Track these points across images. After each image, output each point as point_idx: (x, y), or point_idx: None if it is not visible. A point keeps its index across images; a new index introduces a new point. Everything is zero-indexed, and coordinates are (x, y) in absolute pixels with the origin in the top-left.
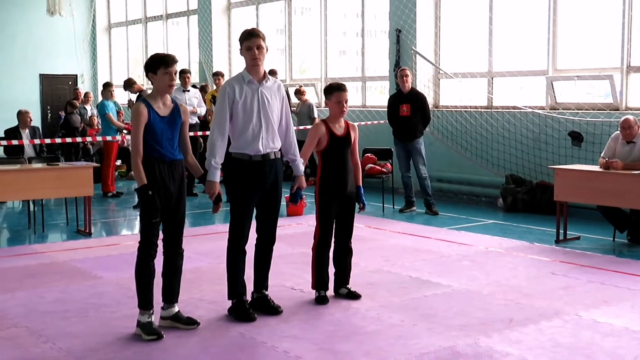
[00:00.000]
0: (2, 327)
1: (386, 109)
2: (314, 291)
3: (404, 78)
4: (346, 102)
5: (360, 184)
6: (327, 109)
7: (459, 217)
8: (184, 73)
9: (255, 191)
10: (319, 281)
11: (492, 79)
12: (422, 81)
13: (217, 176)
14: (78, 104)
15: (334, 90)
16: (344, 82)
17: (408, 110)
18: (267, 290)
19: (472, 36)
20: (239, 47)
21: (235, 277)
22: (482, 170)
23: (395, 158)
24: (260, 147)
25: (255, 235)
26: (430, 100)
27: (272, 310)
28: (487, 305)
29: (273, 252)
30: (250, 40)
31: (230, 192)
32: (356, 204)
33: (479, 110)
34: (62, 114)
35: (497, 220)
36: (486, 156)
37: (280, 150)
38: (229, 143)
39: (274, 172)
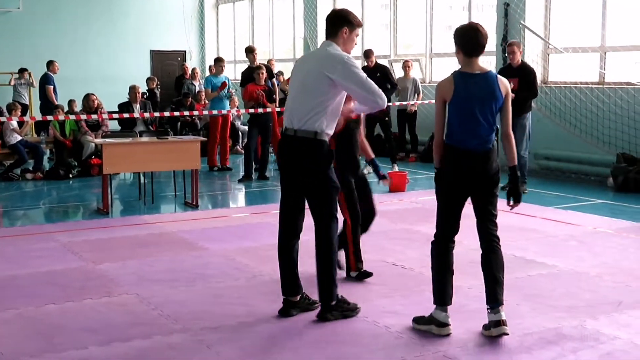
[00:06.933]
0: (114, 293)
1: None
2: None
3: (513, 52)
4: None
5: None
6: (431, 85)
7: (566, 196)
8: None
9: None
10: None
11: (604, 53)
12: (531, 56)
13: None
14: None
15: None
16: (449, 58)
17: (516, 84)
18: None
19: (584, 9)
20: (345, 25)
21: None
22: (592, 148)
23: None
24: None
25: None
26: (538, 76)
27: None
28: (595, 287)
29: (372, 228)
30: (359, 30)
31: None
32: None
33: (590, 86)
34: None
35: (606, 200)
36: (596, 134)
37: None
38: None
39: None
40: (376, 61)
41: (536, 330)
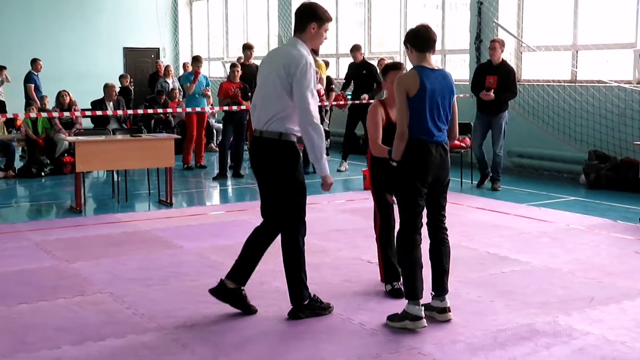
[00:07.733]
0: (88, 292)
1: (467, 83)
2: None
3: (496, 49)
4: None
5: None
6: None
7: (539, 194)
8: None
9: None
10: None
11: (576, 52)
12: (504, 54)
13: None
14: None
15: (391, 70)
16: None
17: (495, 82)
18: None
19: (557, 8)
20: (314, 21)
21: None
22: (564, 145)
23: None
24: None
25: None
26: None
27: None
28: (567, 283)
29: (347, 225)
30: (328, 25)
31: None
32: None
33: (562, 84)
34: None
35: (579, 197)
36: (569, 131)
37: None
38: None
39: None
40: (363, 58)
41: (510, 326)
